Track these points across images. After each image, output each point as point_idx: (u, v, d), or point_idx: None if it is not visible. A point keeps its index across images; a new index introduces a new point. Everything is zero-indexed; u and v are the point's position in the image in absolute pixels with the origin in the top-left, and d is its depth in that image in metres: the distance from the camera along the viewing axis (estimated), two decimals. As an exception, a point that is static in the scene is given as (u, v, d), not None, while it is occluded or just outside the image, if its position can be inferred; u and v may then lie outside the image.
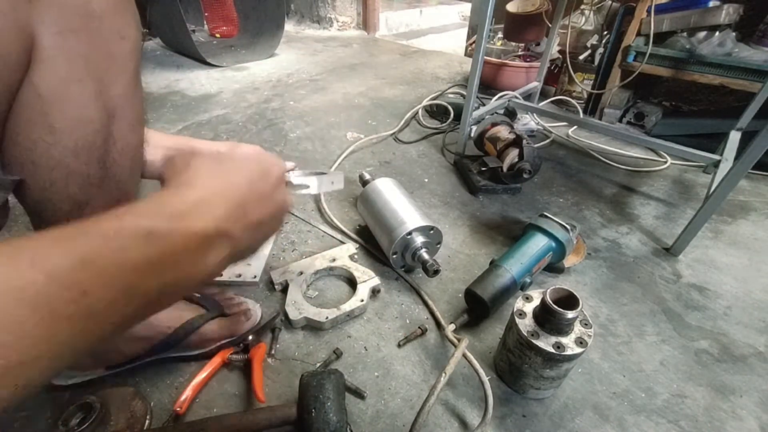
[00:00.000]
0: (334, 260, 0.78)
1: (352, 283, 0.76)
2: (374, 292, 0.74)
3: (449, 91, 1.67)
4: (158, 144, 0.48)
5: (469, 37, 2.43)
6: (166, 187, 0.28)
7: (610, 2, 1.52)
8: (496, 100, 1.36)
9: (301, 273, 0.75)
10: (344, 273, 0.78)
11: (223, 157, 0.30)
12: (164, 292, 0.25)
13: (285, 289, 0.72)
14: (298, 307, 0.68)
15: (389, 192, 0.84)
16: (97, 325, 0.22)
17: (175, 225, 0.25)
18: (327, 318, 0.66)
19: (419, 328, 0.68)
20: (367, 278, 0.74)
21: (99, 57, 0.33)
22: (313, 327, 0.68)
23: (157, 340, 0.57)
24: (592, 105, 1.56)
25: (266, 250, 0.83)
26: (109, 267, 0.22)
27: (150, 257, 0.23)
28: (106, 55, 0.34)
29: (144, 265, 0.23)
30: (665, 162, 1.25)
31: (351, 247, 0.83)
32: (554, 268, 0.81)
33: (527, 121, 1.37)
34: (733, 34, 1.22)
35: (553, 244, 0.76)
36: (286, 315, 0.68)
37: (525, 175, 1.01)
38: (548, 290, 0.53)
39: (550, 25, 1.48)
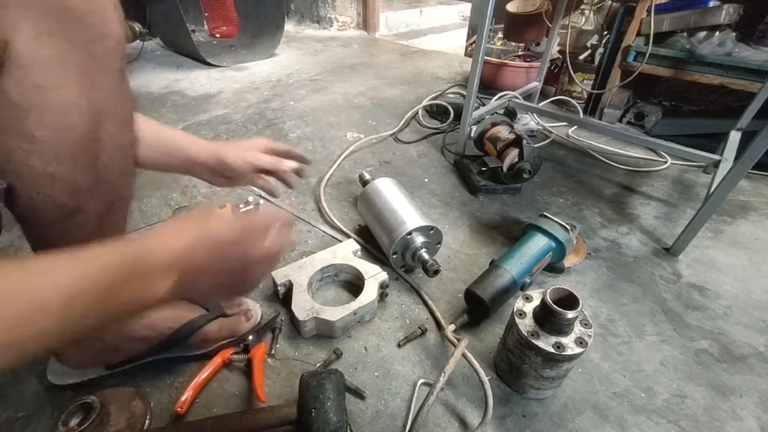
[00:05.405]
0: (335, 257, 0.75)
1: (358, 280, 0.73)
2: (383, 287, 0.71)
3: (449, 91, 1.67)
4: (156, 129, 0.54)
5: (469, 37, 2.43)
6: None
7: (610, 2, 1.52)
8: (496, 100, 1.36)
9: (303, 271, 0.74)
10: (348, 269, 0.75)
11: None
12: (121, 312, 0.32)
13: (286, 290, 0.72)
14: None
15: (389, 192, 0.84)
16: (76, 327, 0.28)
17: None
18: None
19: (419, 328, 0.68)
20: (375, 272, 0.71)
21: (80, 59, 0.31)
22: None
23: (158, 341, 0.57)
24: (592, 105, 1.56)
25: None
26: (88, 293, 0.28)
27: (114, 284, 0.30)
28: (87, 56, 0.31)
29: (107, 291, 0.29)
30: (665, 162, 1.25)
31: (353, 244, 0.80)
32: (554, 268, 0.81)
33: (527, 121, 1.37)
34: (733, 34, 1.22)
35: (553, 244, 0.76)
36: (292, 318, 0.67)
37: (525, 175, 1.01)
38: (548, 290, 0.53)
39: (550, 25, 1.48)
